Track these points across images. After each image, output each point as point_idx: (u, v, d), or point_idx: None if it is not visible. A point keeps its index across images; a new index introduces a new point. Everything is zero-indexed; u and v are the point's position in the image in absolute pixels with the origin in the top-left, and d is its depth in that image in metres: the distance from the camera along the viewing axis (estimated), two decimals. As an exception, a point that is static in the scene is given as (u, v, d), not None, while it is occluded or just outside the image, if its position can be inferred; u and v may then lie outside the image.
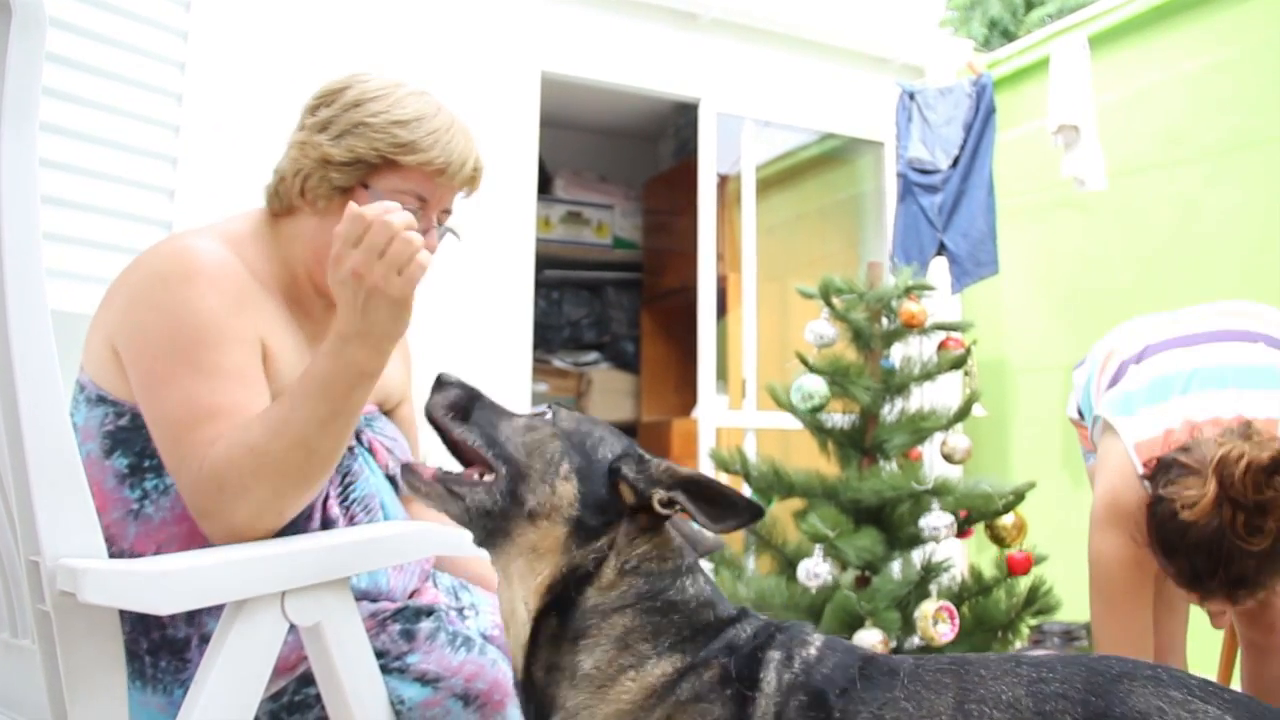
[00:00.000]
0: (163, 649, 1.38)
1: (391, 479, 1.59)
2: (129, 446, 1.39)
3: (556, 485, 1.23)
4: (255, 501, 1.29)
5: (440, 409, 1.30)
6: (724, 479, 4.19)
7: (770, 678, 1.14)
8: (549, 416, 1.31)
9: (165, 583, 1.15)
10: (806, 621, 1.40)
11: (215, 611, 1.35)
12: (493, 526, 1.24)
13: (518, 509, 1.23)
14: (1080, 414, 2.37)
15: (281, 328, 1.48)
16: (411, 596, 1.55)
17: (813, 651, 1.17)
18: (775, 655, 1.16)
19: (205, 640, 1.35)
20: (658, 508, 1.21)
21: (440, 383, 1.32)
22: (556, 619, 1.20)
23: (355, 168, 1.48)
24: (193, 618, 1.37)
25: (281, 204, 1.54)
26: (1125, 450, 1.97)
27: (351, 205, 1.29)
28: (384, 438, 1.60)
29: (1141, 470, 1.92)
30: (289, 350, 1.47)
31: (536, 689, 1.20)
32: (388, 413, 1.71)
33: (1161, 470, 1.80)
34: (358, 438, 1.55)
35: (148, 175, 2.94)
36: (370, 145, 1.47)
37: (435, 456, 1.41)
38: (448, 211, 1.59)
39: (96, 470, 1.40)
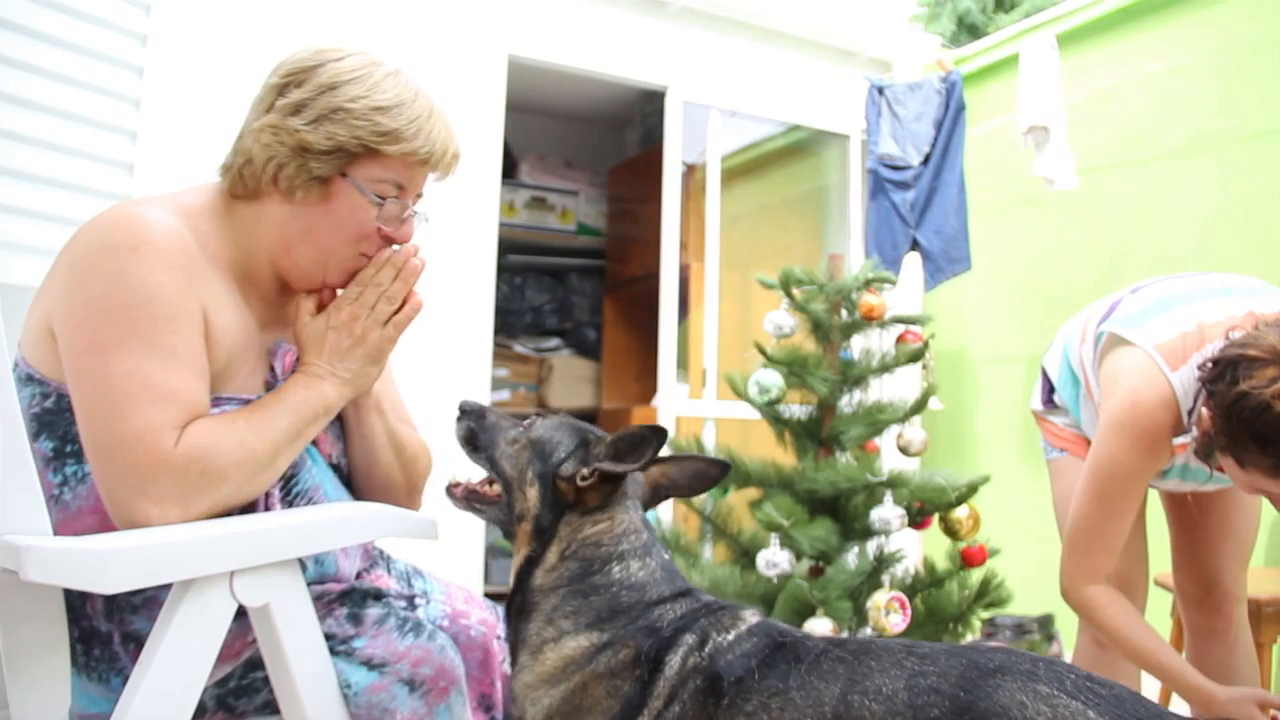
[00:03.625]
0: (93, 639, 1.36)
1: (335, 467, 1.58)
2: (53, 430, 1.35)
3: (526, 491, 1.46)
4: (223, 492, 1.29)
5: (460, 442, 1.56)
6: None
7: (675, 661, 1.25)
8: (525, 426, 1.53)
9: (111, 561, 1.13)
10: (751, 605, 1.45)
11: (138, 607, 1.34)
12: (505, 530, 1.49)
13: (511, 514, 1.48)
14: (1048, 402, 2.39)
15: (226, 304, 1.43)
16: (358, 578, 1.55)
17: (730, 636, 1.27)
18: (689, 639, 1.28)
19: (128, 637, 1.34)
20: (580, 484, 1.42)
21: (460, 413, 1.58)
22: (520, 596, 1.42)
23: (335, 156, 1.44)
24: (113, 613, 1.35)
25: (245, 188, 1.48)
26: (1145, 353, 1.97)
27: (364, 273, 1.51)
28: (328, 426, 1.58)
29: (1169, 369, 1.93)
30: (232, 327, 1.43)
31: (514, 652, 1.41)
32: None
33: (1225, 368, 1.76)
34: None
35: (106, 149, 2.90)
36: (351, 133, 1.43)
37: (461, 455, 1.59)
38: (420, 195, 1.57)
39: None
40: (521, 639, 1.38)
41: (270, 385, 1.49)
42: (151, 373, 1.28)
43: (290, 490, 1.46)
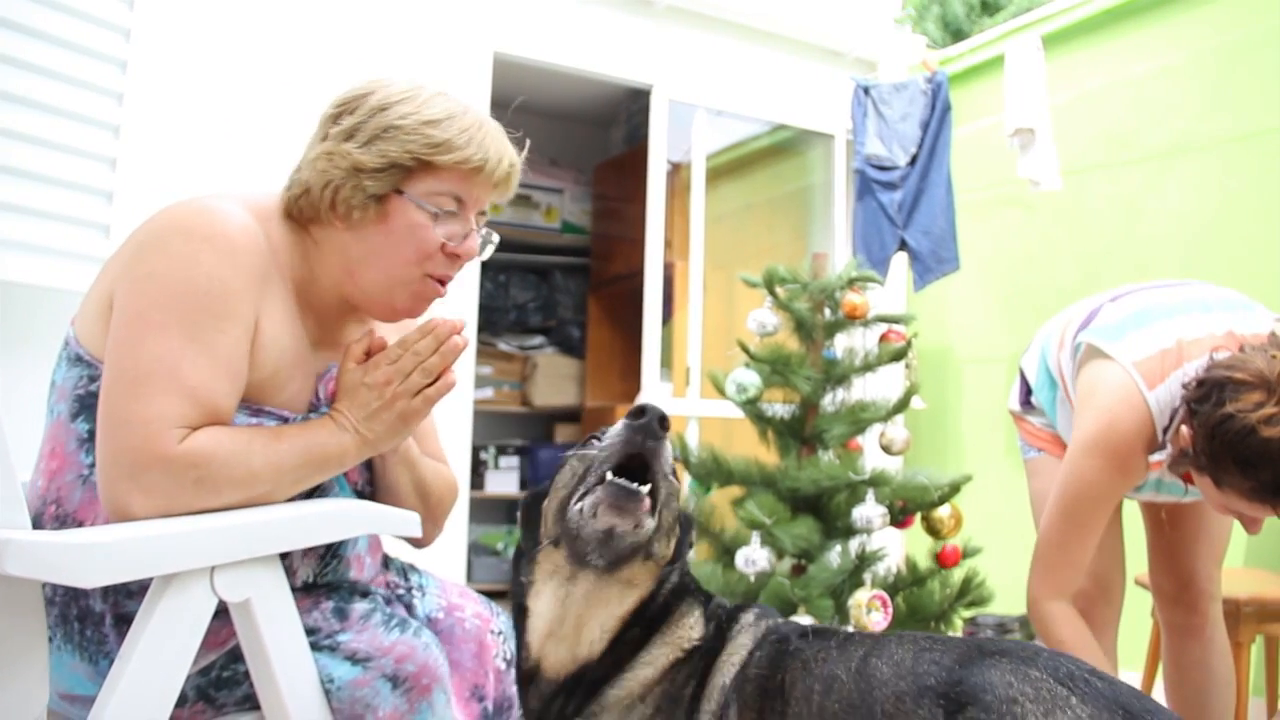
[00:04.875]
0: (87, 618, 1.36)
1: (360, 494, 1.59)
2: (94, 412, 1.35)
3: (667, 540, 1.46)
4: (211, 505, 1.28)
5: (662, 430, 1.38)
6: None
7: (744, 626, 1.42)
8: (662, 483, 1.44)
9: (91, 555, 1.13)
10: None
11: (134, 592, 1.34)
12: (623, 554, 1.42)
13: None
14: (1025, 403, 2.40)
15: (282, 316, 1.44)
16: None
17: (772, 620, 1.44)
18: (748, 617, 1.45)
19: (120, 619, 1.34)
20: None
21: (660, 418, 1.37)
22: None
23: (389, 173, 1.44)
24: (108, 594, 1.35)
25: (304, 218, 1.49)
26: (1123, 371, 1.98)
27: (404, 339, 1.46)
28: None
29: (1146, 388, 1.94)
30: (283, 339, 1.43)
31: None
32: None
33: (1211, 389, 1.78)
34: None
35: (89, 144, 2.88)
36: (403, 148, 1.43)
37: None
38: (483, 214, 1.57)
39: (63, 432, 1.38)
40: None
41: (314, 407, 1.50)
42: (181, 363, 1.28)
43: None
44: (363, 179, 1.43)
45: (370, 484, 1.61)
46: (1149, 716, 1.07)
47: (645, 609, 1.37)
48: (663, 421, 1.33)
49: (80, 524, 1.36)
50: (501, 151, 1.52)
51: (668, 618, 1.39)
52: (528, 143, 1.63)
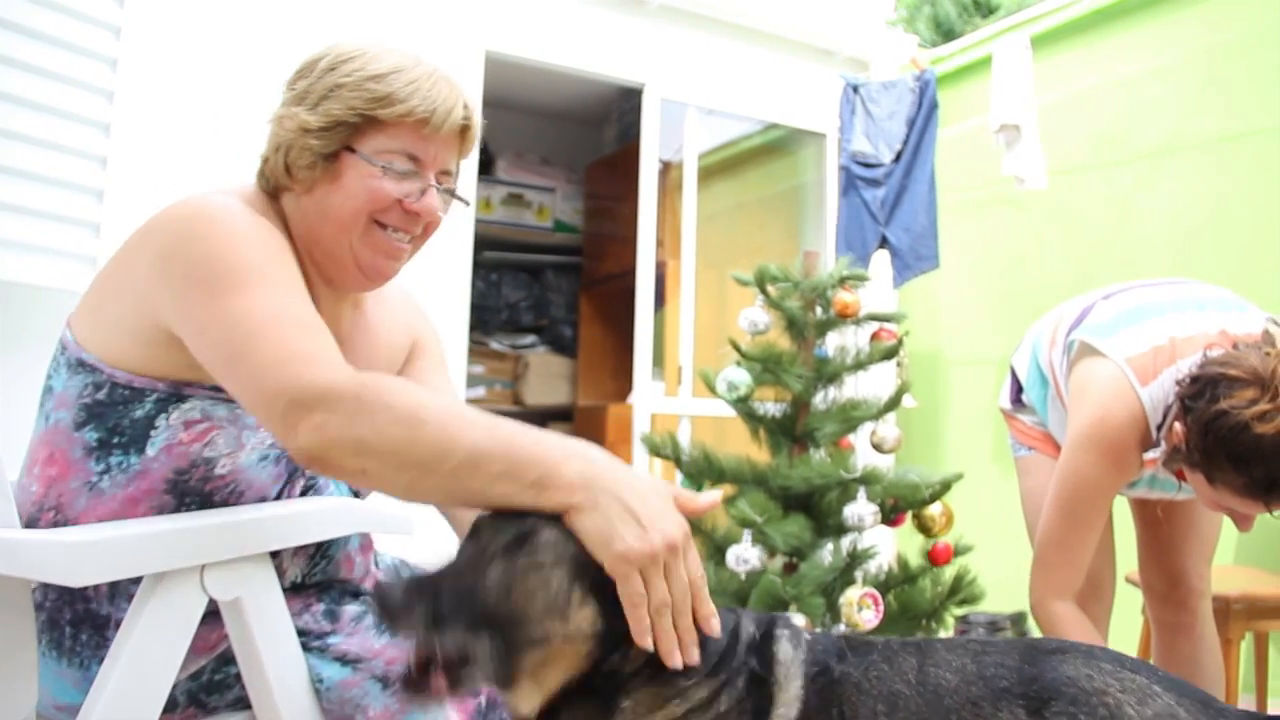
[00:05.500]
0: (85, 622, 1.34)
1: (355, 494, 1.57)
2: (103, 421, 1.33)
3: (574, 616, 1.13)
4: (366, 439, 1.13)
5: (425, 628, 1.13)
6: (656, 464, 4.18)
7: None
8: (529, 549, 1.16)
9: (80, 554, 1.12)
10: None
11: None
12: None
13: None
14: (1016, 401, 2.40)
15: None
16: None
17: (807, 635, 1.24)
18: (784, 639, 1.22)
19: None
20: None
21: (405, 599, 1.14)
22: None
23: (335, 131, 1.40)
24: (115, 598, 1.34)
25: (269, 186, 1.46)
26: (1116, 367, 1.98)
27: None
28: None
29: (1139, 384, 1.95)
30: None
31: None
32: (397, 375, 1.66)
33: (1205, 385, 1.78)
34: None
35: (80, 142, 2.87)
36: (347, 105, 1.39)
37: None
38: (448, 173, 1.51)
39: (64, 439, 1.35)
40: None
41: None
42: (268, 302, 1.22)
43: (307, 494, 1.46)
44: (309, 139, 1.40)
45: None
46: (1215, 703, 1.09)
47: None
48: (396, 608, 1.10)
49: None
50: (451, 102, 1.44)
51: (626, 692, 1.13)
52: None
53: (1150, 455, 1.98)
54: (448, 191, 1.51)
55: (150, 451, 1.33)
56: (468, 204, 1.58)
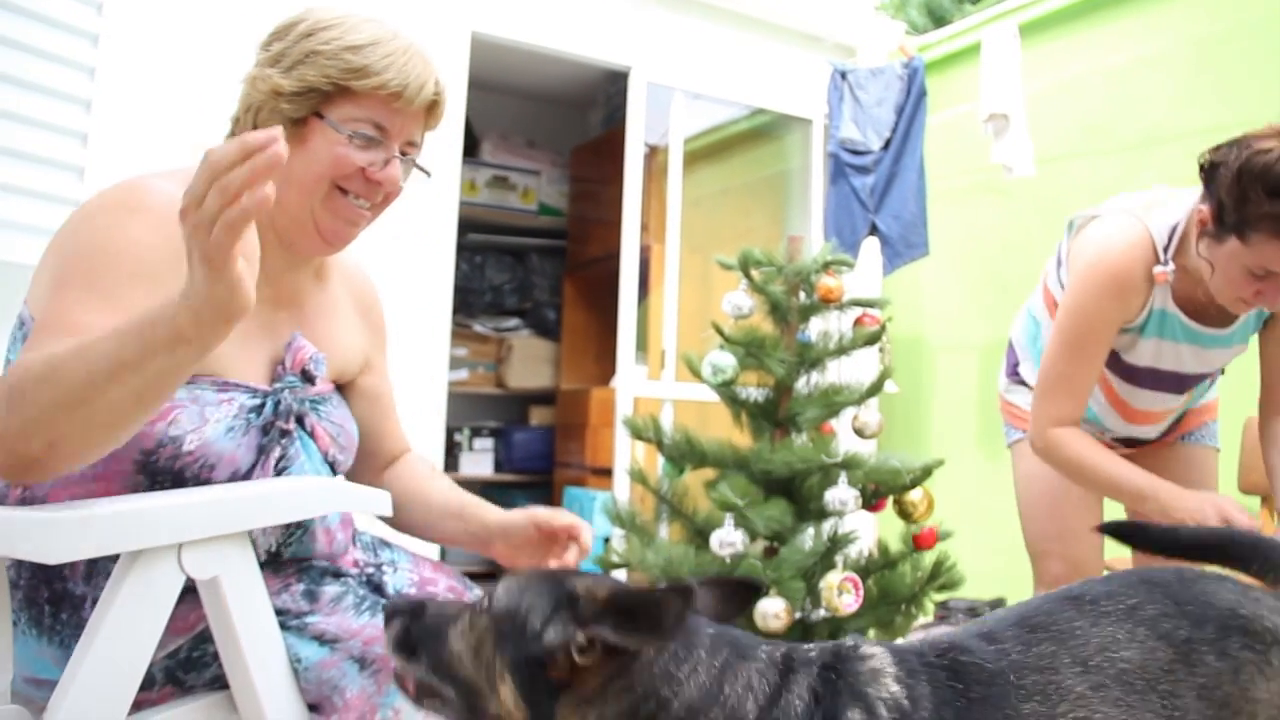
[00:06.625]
0: (63, 601, 1.33)
1: (332, 464, 1.56)
2: None
3: (499, 690, 1.06)
4: (29, 415, 1.12)
5: (391, 651, 1.19)
6: (639, 447, 4.17)
7: None
8: (482, 604, 1.13)
9: (55, 531, 1.11)
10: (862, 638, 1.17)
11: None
12: None
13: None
14: (1012, 374, 2.42)
15: None
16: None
17: (895, 689, 1.04)
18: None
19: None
20: (578, 659, 1.00)
21: (386, 617, 1.21)
22: None
23: (307, 97, 1.42)
24: (92, 577, 1.33)
25: None
26: (1114, 214, 2.11)
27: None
28: (329, 424, 1.55)
29: (1141, 215, 2.06)
30: None
31: None
32: (345, 385, 1.68)
33: (1231, 146, 1.89)
34: (300, 422, 1.48)
35: (60, 118, 2.85)
36: (322, 73, 1.41)
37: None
38: (413, 144, 1.53)
39: None
40: None
41: (279, 377, 1.47)
42: (73, 309, 1.25)
43: None
44: (280, 102, 1.41)
45: (343, 451, 1.59)
46: None
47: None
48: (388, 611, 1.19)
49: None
50: (424, 77, 1.48)
51: None
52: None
53: (1160, 270, 2.03)
54: (411, 162, 1.54)
55: None
56: (429, 175, 1.60)
